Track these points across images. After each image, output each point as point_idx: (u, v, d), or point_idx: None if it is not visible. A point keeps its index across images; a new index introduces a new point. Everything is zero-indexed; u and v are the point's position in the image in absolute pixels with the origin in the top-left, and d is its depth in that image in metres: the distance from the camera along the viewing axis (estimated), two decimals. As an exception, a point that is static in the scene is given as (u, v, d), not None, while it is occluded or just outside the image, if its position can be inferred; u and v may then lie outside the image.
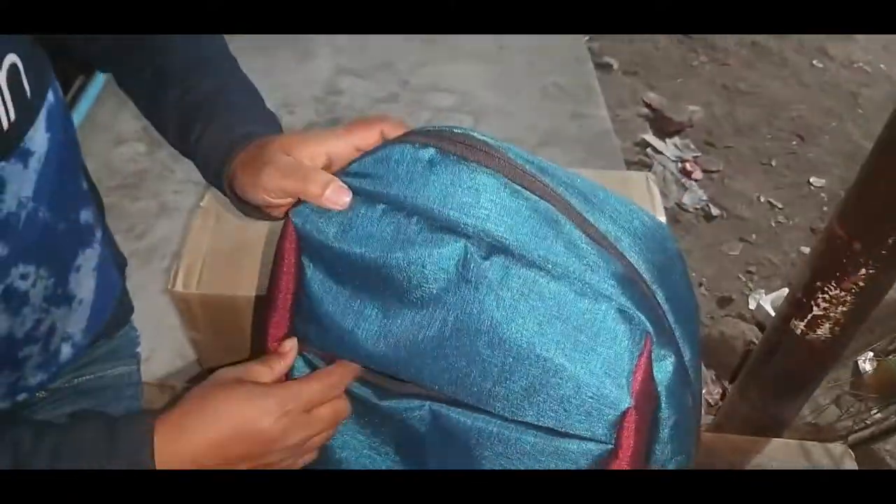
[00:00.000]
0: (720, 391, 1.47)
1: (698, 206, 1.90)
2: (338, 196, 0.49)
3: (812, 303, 0.69)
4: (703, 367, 1.51)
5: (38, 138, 0.57)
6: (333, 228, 0.51)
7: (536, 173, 0.52)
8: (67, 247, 0.65)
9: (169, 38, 0.63)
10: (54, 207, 0.60)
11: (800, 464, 0.84)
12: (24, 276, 0.59)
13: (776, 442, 0.86)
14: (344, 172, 0.53)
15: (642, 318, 0.48)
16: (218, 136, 0.57)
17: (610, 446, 0.47)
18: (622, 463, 0.47)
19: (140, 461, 0.46)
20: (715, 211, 1.89)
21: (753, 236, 1.84)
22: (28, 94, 0.55)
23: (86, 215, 0.67)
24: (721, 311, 1.67)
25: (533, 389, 0.47)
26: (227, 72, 0.64)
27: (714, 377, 1.50)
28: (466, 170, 0.50)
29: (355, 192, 0.51)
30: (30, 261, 0.59)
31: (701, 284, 1.72)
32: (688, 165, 2.00)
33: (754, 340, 1.52)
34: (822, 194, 1.97)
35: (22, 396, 0.67)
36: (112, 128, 1.88)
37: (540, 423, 0.48)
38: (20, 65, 0.54)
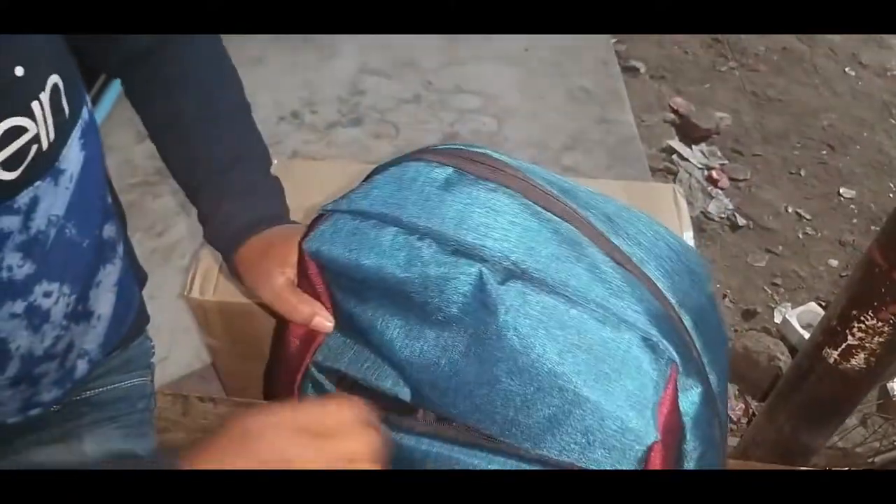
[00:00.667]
0: (743, 407, 1.44)
1: (724, 216, 1.87)
2: (320, 327, 0.56)
3: (847, 332, 0.66)
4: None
5: (72, 157, 0.56)
6: (346, 252, 0.49)
7: (558, 194, 0.50)
8: (90, 263, 0.64)
9: (185, 74, 0.65)
10: (81, 224, 0.59)
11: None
12: (47, 294, 0.58)
13: (804, 472, 0.83)
14: (355, 192, 0.51)
15: (668, 346, 0.46)
16: (224, 223, 0.64)
17: None
18: None
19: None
20: (741, 221, 1.86)
21: (780, 248, 1.81)
22: (66, 113, 0.54)
23: (108, 230, 0.66)
24: (745, 324, 1.63)
25: (556, 420, 0.45)
26: (240, 130, 0.67)
27: (737, 392, 1.47)
28: (484, 190, 0.48)
29: (365, 214, 0.50)
30: (54, 278, 0.58)
31: (725, 296, 1.69)
32: (714, 173, 1.96)
33: (779, 356, 1.49)
34: (852, 206, 1.92)
35: (35, 411, 0.66)
36: (134, 124, 1.87)
37: (561, 458, 0.46)
38: (61, 85, 0.53)
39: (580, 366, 0.45)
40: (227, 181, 0.64)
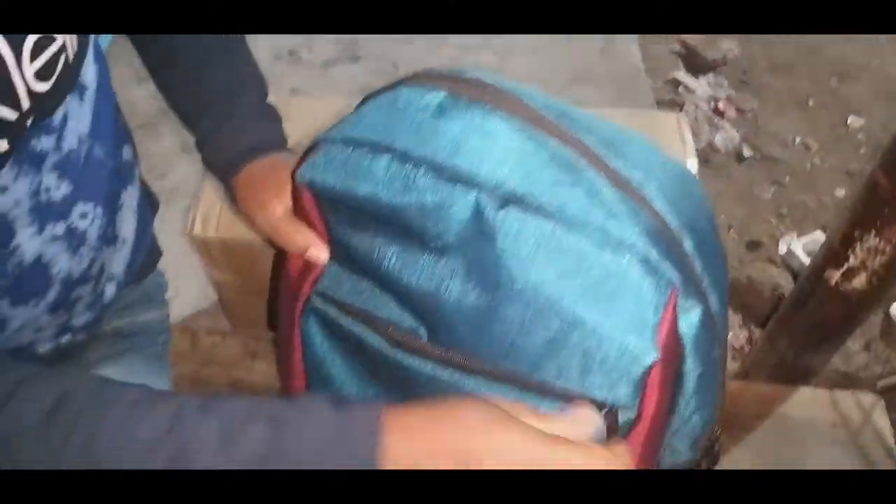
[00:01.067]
0: (746, 335, 1.45)
1: (730, 147, 1.85)
2: (314, 258, 0.55)
3: (849, 253, 0.66)
4: (730, 312, 1.49)
5: (90, 72, 0.56)
6: (340, 181, 0.49)
7: (555, 117, 0.49)
8: (115, 184, 0.65)
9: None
10: (104, 143, 0.60)
11: (828, 415, 0.82)
12: (83, 216, 0.59)
13: (804, 391, 0.85)
14: (346, 121, 0.51)
15: (668, 267, 0.46)
16: (223, 146, 0.64)
17: (632, 415, 0.46)
18: (645, 421, 0.46)
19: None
20: (747, 152, 1.84)
21: (787, 178, 1.79)
22: None
23: (126, 152, 0.67)
24: (750, 255, 1.63)
25: (555, 343, 0.46)
26: (237, 60, 0.67)
27: (741, 322, 1.48)
28: (480, 113, 0.47)
29: (357, 142, 0.49)
30: (88, 199, 0.59)
31: (730, 228, 1.68)
32: (720, 104, 1.93)
33: (783, 285, 1.50)
34: (860, 136, 1.90)
35: (66, 338, 0.67)
36: (133, 65, 1.86)
37: (559, 384, 0.46)
38: None
39: (579, 289, 0.45)
40: (226, 107, 0.65)
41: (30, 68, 0.48)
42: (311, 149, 0.54)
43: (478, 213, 0.45)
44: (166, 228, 0.85)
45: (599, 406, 0.46)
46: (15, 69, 0.47)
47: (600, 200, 0.46)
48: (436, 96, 0.48)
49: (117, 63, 0.62)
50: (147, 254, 0.77)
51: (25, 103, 0.48)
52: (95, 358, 0.70)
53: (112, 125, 0.62)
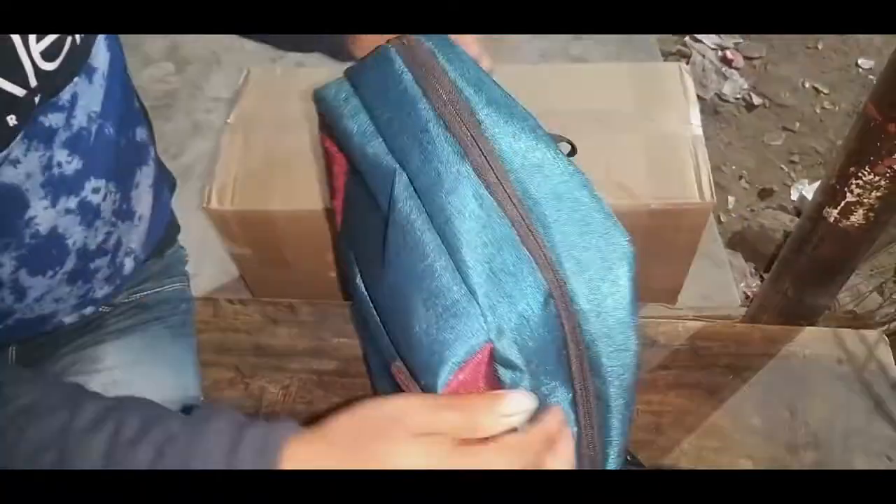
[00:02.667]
0: (759, 283, 1.47)
1: (739, 96, 1.84)
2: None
3: (845, 189, 0.67)
4: (742, 260, 1.50)
5: (100, 54, 0.59)
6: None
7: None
8: (129, 163, 0.68)
9: None
10: (116, 124, 0.63)
11: (833, 352, 0.84)
12: (95, 190, 0.62)
13: (809, 330, 0.86)
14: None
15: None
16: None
17: None
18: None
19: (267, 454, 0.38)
20: (757, 100, 1.83)
21: (797, 124, 1.78)
22: None
23: (140, 133, 0.70)
24: (761, 203, 1.64)
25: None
26: None
27: (753, 270, 1.49)
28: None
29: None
30: (100, 175, 0.62)
31: (741, 177, 1.68)
32: (728, 53, 1.91)
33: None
34: (871, 76, 1.87)
35: (89, 310, 0.71)
36: (139, 49, 1.88)
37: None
38: None
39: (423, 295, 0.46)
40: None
41: (36, 48, 0.51)
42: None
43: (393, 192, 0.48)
44: (183, 207, 0.88)
45: None
46: (22, 49, 0.50)
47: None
48: (407, 78, 0.50)
49: (125, 47, 0.64)
50: (165, 229, 0.80)
51: (33, 81, 0.51)
52: (119, 328, 0.74)
53: (124, 106, 0.65)
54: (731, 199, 1.64)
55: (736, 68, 1.89)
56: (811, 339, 0.85)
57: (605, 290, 0.45)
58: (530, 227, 0.45)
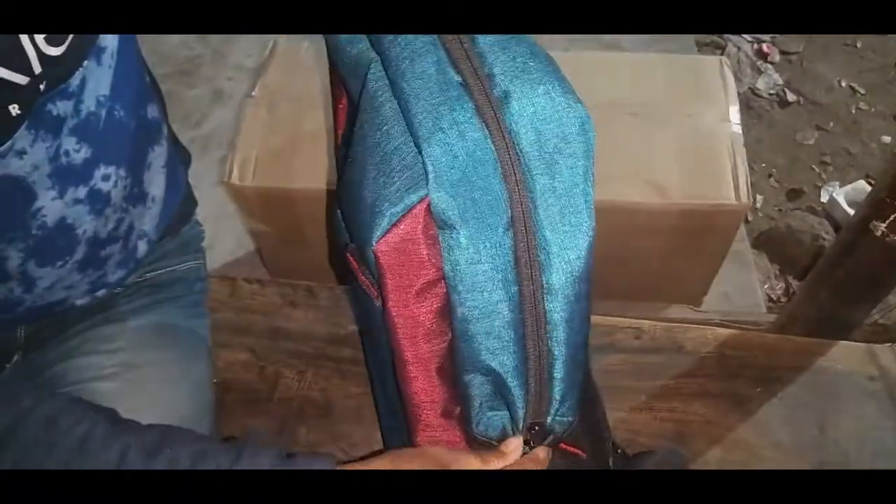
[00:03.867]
0: (783, 286, 1.43)
1: (773, 91, 1.79)
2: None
3: (896, 203, 0.64)
4: (767, 261, 1.47)
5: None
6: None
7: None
8: (140, 145, 0.65)
9: None
10: (127, 105, 0.60)
11: (866, 368, 0.81)
12: (105, 178, 0.60)
13: (843, 344, 0.83)
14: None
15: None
16: None
17: None
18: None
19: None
20: (791, 96, 1.78)
21: (831, 124, 1.74)
22: None
23: (152, 111, 0.67)
24: (790, 203, 1.60)
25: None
26: None
27: (778, 272, 1.45)
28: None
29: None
30: (110, 161, 0.60)
31: (770, 176, 1.64)
32: (764, 47, 1.86)
33: (823, 235, 1.46)
34: (911, 79, 1.82)
35: (102, 293, 0.69)
36: (164, 11, 1.85)
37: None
38: None
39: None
40: None
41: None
42: None
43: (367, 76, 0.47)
44: (202, 177, 0.86)
45: None
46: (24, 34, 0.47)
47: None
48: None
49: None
50: (181, 206, 0.77)
51: (37, 67, 0.49)
52: (133, 308, 0.71)
53: (135, 84, 0.62)
54: (759, 197, 1.61)
55: (771, 63, 1.84)
56: (844, 354, 0.82)
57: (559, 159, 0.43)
58: (488, 91, 0.43)
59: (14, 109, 0.49)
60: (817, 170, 1.66)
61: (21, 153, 0.52)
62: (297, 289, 0.89)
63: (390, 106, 0.44)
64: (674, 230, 0.96)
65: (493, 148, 0.42)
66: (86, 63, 0.53)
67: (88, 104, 0.55)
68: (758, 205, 1.59)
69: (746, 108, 1.75)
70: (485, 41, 0.45)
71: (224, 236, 1.39)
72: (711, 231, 0.96)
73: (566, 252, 0.43)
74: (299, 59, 1.09)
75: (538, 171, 0.42)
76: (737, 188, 0.92)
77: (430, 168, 0.41)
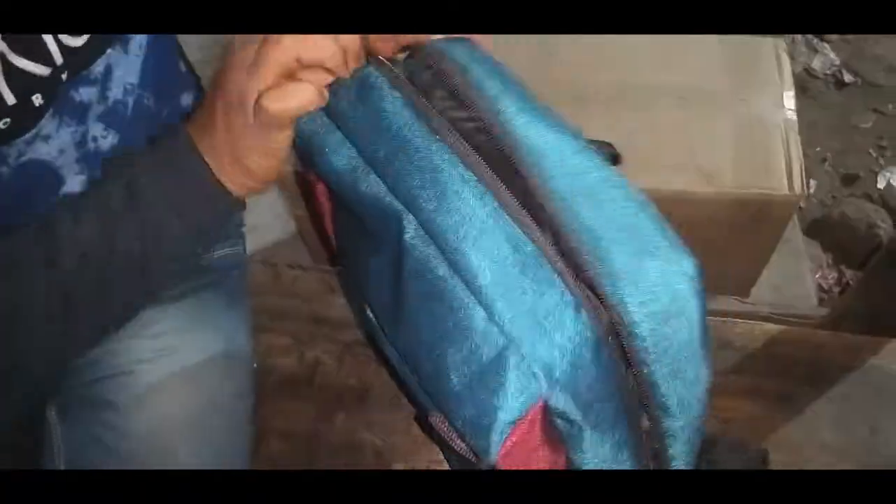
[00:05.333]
0: (836, 276, 1.39)
1: (829, 72, 1.73)
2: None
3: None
4: (820, 250, 1.43)
5: None
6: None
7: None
8: None
9: None
10: (158, 93, 0.60)
11: (922, 367, 0.78)
12: None
13: (895, 343, 0.81)
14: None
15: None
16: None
17: None
18: None
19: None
20: (848, 77, 1.71)
21: (889, 107, 1.67)
22: None
23: (186, 99, 0.67)
24: (845, 189, 1.55)
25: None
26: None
27: (830, 261, 1.41)
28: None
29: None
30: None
31: (825, 160, 1.59)
32: (821, 25, 1.79)
33: (879, 223, 1.41)
34: (977, 60, 1.74)
35: None
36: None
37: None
38: None
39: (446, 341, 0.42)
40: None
41: None
42: None
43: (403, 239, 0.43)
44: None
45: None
46: None
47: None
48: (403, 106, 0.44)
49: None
50: None
51: (58, 58, 0.49)
52: (171, 294, 0.71)
53: (167, 72, 0.62)
54: (812, 182, 1.56)
55: (828, 42, 1.77)
56: (897, 353, 0.79)
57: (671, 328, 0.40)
58: (580, 264, 0.39)
59: (37, 99, 0.49)
60: (874, 154, 1.60)
61: (47, 138, 0.53)
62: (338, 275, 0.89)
63: (458, 289, 0.40)
64: (722, 220, 0.93)
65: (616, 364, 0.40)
66: (109, 51, 0.53)
67: (115, 92, 0.56)
68: (811, 191, 1.54)
69: (801, 90, 1.69)
70: (559, 186, 0.41)
71: (266, 219, 1.40)
72: (762, 221, 0.93)
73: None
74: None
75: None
76: (790, 177, 0.89)
77: (545, 378, 0.38)
